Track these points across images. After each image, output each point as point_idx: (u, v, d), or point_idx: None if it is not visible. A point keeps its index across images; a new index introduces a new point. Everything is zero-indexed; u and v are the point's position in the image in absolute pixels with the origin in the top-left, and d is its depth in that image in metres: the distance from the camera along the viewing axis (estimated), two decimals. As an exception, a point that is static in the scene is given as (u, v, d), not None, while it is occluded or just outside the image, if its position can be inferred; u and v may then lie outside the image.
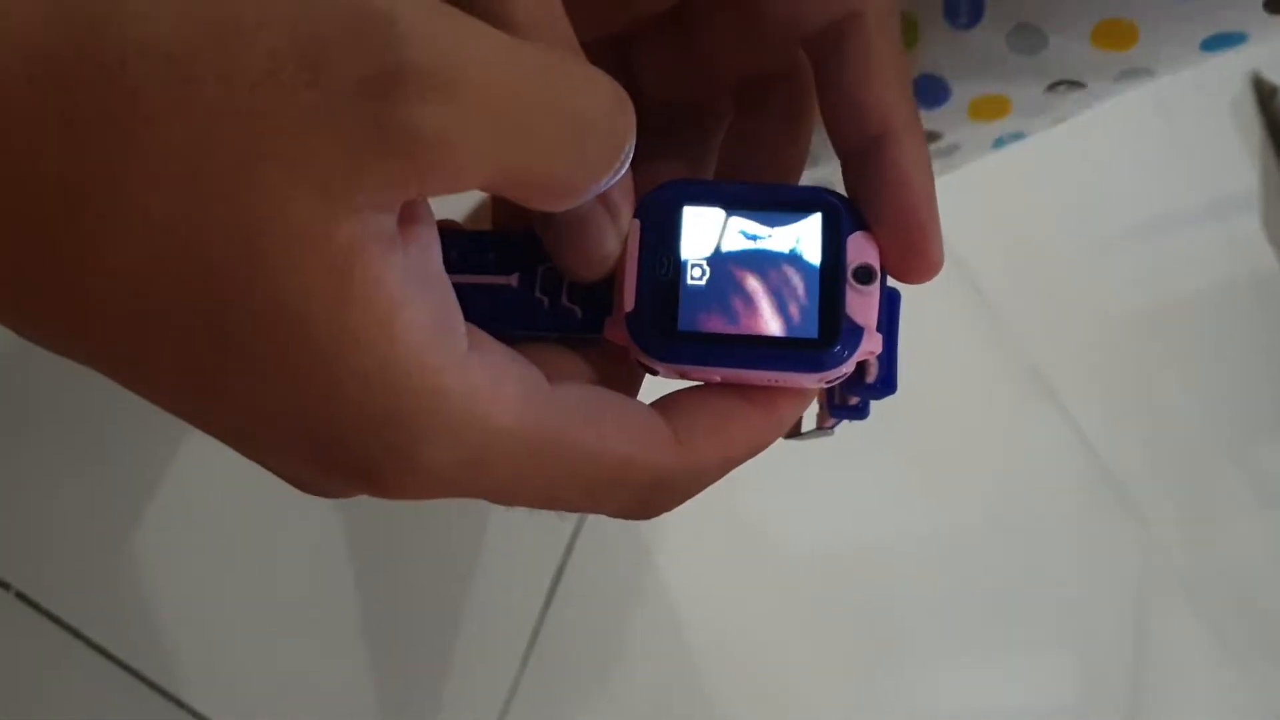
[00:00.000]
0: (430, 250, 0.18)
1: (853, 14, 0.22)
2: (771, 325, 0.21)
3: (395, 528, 0.68)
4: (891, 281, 0.22)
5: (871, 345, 0.21)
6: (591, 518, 0.76)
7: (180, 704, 0.58)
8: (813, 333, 0.21)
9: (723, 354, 0.21)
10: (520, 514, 0.71)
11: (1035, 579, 1.14)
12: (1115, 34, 0.44)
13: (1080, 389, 1.25)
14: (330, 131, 0.15)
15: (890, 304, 0.22)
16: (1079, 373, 1.26)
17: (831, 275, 0.21)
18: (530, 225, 0.22)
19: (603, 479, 0.20)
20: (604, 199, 0.21)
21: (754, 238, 0.21)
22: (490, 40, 0.17)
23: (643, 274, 0.21)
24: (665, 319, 0.21)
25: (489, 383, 0.18)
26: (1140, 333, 1.40)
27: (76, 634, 0.56)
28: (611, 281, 0.22)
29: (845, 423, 0.24)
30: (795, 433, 0.24)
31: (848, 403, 0.24)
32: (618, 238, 0.21)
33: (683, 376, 0.22)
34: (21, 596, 0.54)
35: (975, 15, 0.46)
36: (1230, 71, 1.71)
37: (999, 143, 0.55)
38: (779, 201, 0.21)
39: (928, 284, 0.22)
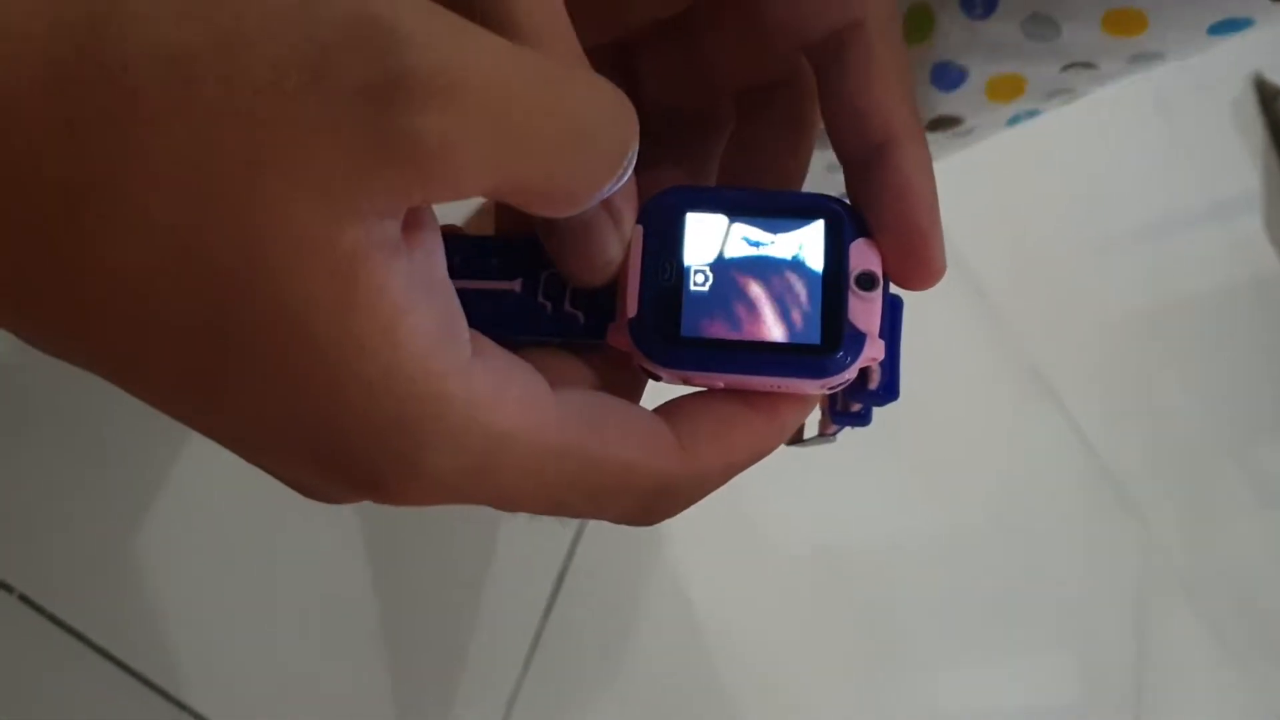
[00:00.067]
0: (434, 256, 0.18)
1: (854, 22, 0.22)
2: (774, 331, 0.21)
3: (397, 531, 0.68)
4: (894, 288, 0.22)
5: (874, 352, 0.21)
6: (593, 521, 0.76)
7: (182, 706, 0.58)
8: (815, 339, 0.21)
9: (726, 360, 0.21)
10: (523, 519, 0.71)
11: (1036, 579, 1.14)
12: (1125, 21, 0.45)
13: (1081, 389, 1.25)
14: (333, 138, 0.15)
15: (893, 311, 0.22)
16: (1079, 373, 1.26)
17: (834, 281, 0.21)
18: (533, 230, 0.22)
19: (606, 485, 0.20)
20: (607, 205, 0.21)
21: (757, 244, 0.21)
22: (493, 47, 0.17)
23: (646, 280, 0.21)
24: (668, 324, 0.21)
25: (493, 389, 0.18)
26: (1141, 333, 1.40)
27: (79, 636, 0.56)
28: (614, 287, 0.22)
29: (847, 429, 0.24)
30: (797, 439, 0.24)
31: (850, 409, 0.24)
32: (621, 243, 0.21)
33: (686, 382, 0.22)
34: (24, 599, 0.54)
35: (990, 5, 0.48)
36: (1232, 72, 1.71)
37: (1014, 120, 0.56)
38: (782, 208, 0.21)
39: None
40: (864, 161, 0.22)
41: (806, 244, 0.21)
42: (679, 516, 0.22)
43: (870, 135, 0.22)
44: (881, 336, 0.21)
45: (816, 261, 0.21)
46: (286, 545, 0.64)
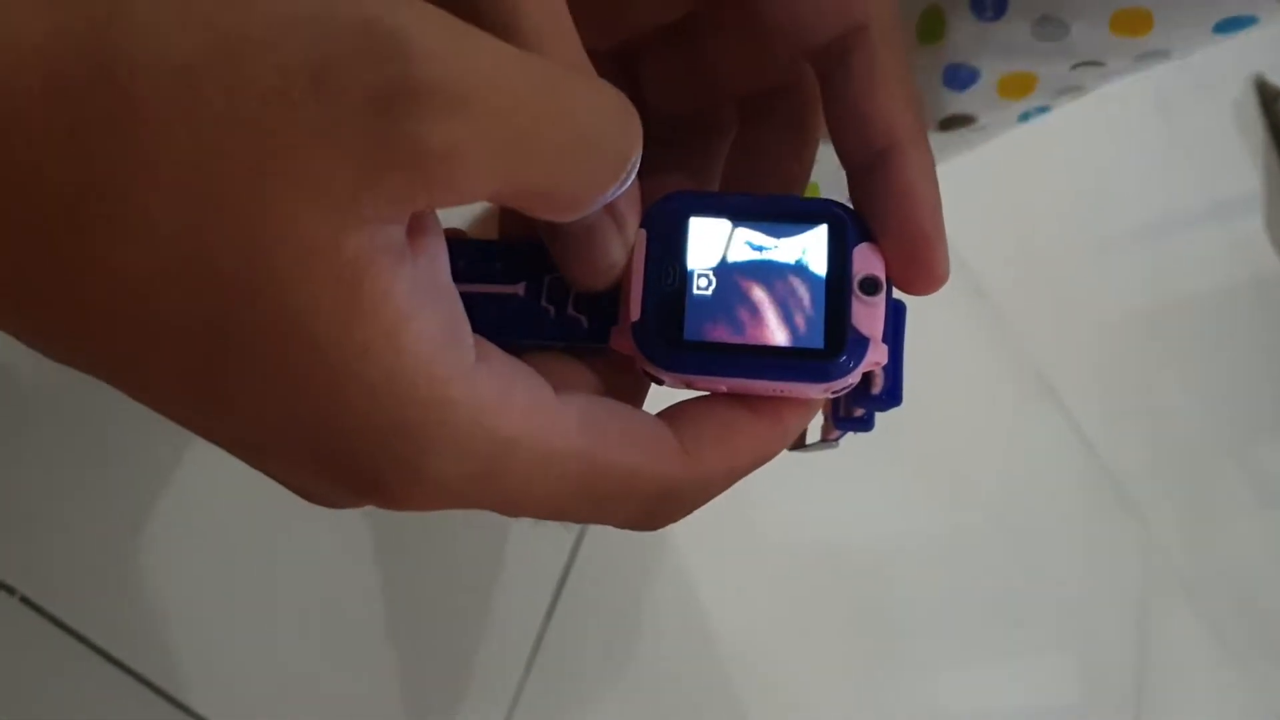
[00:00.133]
0: (438, 261, 0.18)
1: (858, 27, 0.22)
2: (777, 336, 0.21)
3: (398, 532, 0.68)
4: (897, 294, 0.22)
5: (877, 356, 0.21)
6: (595, 525, 0.76)
7: (184, 708, 0.58)
8: (818, 343, 0.21)
9: (728, 364, 0.21)
10: (525, 522, 0.71)
11: (1036, 579, 1.14)
12: (1132, 20, 0.46)
13: (1081, 389, 1.25)
14: (339, 144, 0.15)
15: (896, 316, 0.22)
16: (1080, 373, 1.26)
17: (837, 286, 0.21)
18: (537, 235, 0.22)
19: (609, 490, 0.20)
20: (611, 209, 0.21)
21: (760, 249, 0.21)
22: (497, 53, 0.17)
23: (649, 284, 0.21)
24: (671, 329, 0.21)
25: (496, 394, 0.18)
26: (1141, 333, 1.40)
27: (80, 638, 0.56)
28: (618, 291, 0.22)
29: (850, 434, 0.24)
30: (800, 444, 0.24)
31: (853, 414, 0.24)
32: (624, 248, 0.21)
33: (688, 386, 0.22)
34: (26, 601, 0.54)
35: (1000, 8, 0.48)
36: (1233, 73, 1.71)
37: (1024, 117, 0.56)
38: (785, 213, 0.21)
39: (932, 289, 0.22)
40: (867, 166, 0.22)
41: (810, 248, 0.21)
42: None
43: (873, 140, 0.22)
44: (885, 341, 0.21)
45: (820, 266, 0.21)
46: (289, 547, 0.64)
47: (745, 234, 0.21)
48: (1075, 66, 0.50)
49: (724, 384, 0.21)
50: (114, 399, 0.19)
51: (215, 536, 0.61)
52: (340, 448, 0.17)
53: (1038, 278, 1.24)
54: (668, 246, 0.21)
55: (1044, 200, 1.26)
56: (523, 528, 0.73)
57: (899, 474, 1.02)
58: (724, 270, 0.21)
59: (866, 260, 0.21)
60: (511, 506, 0.19)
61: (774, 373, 0.21)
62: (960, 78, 0.52)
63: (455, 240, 0.20)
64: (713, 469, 0.21)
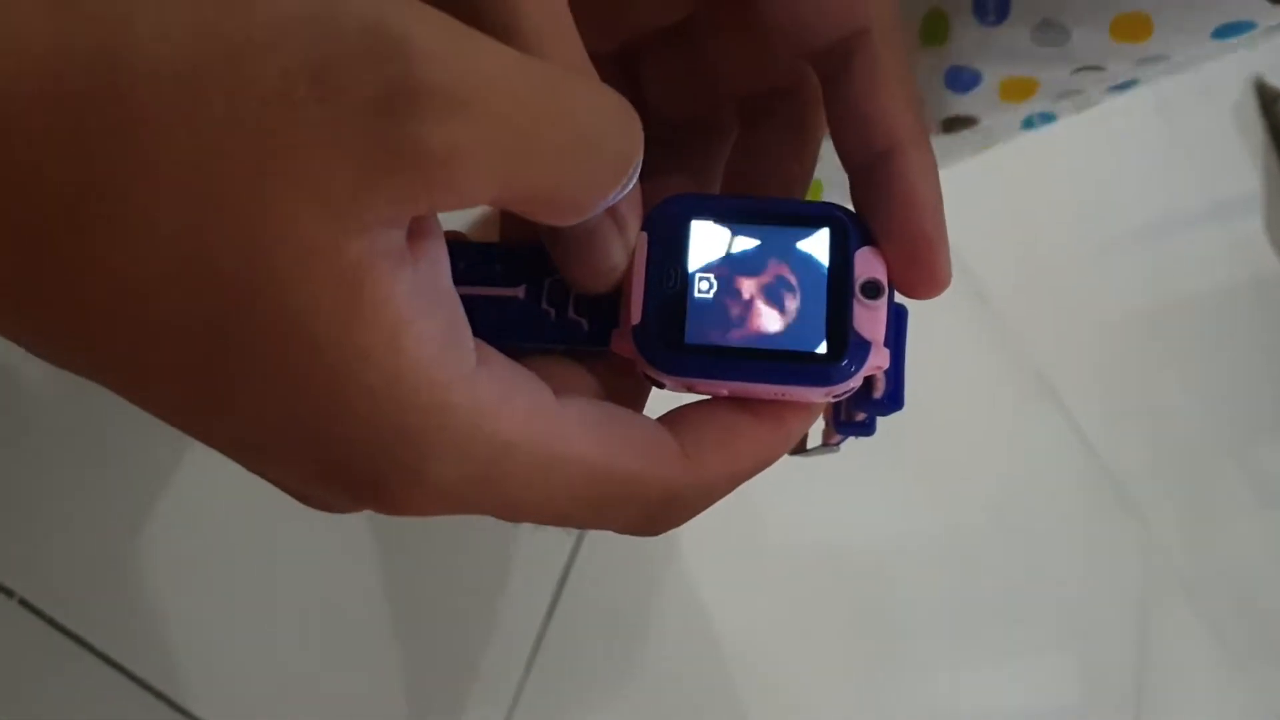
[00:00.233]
0: (439, 265, 0.18)
1: (859, 30, 0.22)
2: (779, 339, 0.21)
3: (398, 534, 0.68)
4: (899, 297, 0.22)
5: (879, 360, 0.21)
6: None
7: (184, 711, 0.58)
8: (820, 347, 0.21)
9: (730, 367, 0.21)
10: (525, 526, 0.71)
11: (1036, 579, 1.14)
12: (1132, 26, 0.47)
13: (1081, 390, 1.25)
14: (340, 148, 0.15)
15: (898, 319, 0.22)
16: (1080, 374, 1.26)
17: (839, 290, 0.21)
18: (537, 237, 0.22)
19: (610, 495, 0.19)
20: (612, 212, 0.21)
21: (761, 252, 0.21)
22: (499, 56, 0.17)
23: (650, 287, 0.21)
24: (672, 332, 0.21)
25: (496, 398, 0.18)
26: (1141, 333, 1.40)
27: (80, 641, 0.56)
28: (618, 294, 0.22)
29: (851, 438, 0.24)
30: (801, 449, 0.24)
31: (854, 419, 0.24)
32: (625, 251, 0.21)
33: (689, 390, 0.22)
34: (24, 603, 0.54)
35: (1002, 12, 0.49)
36: (1233, 75, 1.71)
37: (1028, 123, 0.57)
38: (786, 215, 0.21)
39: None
40: (869, 168, 0.22)
41: (811, 252, 0.21)
42: (680, 519, 0.22)
43: (875, 142, 0.22)
44: (886, 345, 0.21)
45: (821, 270, 0.21)
46: (288, 548, 0.64)
47: (746, 237, 0.21)
48: (1076, 71, 0.50)
49: (725, 388, 0.21)
50: (113, 402, 0.18)
51: (215, 538, 0.61)
52: (339, 451, 0.17)
53: (1037, 278, 1.24)
54: (669, 249, 0.21)
55: (1044, 201, 1.26)
56: (523, 529, 0.73)
57: (899, 475, 1.02)
58: (725, 273, 0.21)
59: (868, 264, 0.21)
60: (511, 511, 0.19)
61: (775, 376, 0.21)
62: (962, 80, 0.52)
63: (456, 243, 0.20)
64: (714, 473, 0.21)
